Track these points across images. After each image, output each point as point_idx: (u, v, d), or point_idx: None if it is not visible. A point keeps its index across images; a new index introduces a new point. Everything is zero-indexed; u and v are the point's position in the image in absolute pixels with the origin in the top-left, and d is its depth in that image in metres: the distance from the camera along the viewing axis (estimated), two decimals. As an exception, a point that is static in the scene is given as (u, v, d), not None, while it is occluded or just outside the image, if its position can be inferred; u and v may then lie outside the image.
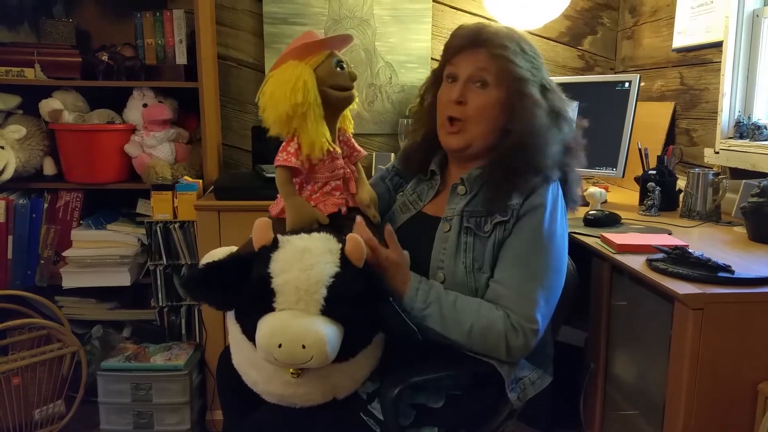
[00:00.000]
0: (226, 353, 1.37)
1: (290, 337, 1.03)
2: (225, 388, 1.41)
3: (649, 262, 1.34)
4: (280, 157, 1.23)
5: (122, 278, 2.23)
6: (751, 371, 1.21)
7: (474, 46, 1.29)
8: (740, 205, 1.65)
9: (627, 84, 2.07)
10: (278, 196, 1.28)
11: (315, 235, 1.15)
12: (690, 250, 1.32)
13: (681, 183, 1.96)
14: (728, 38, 1.93)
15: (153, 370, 2.08)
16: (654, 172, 1.96)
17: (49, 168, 2.29)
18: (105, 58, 2.20)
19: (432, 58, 2.59)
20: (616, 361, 1.53)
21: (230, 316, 1.20)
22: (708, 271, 1.25)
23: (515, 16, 2.45)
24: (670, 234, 1.61)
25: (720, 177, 1.80)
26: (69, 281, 2.23)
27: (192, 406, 2.12)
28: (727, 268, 1.25)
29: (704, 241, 1.58)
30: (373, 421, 1.18)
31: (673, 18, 2.26)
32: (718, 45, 1.99)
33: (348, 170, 1.33)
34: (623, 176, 2.08)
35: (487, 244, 1.27)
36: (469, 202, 1.32)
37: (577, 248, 1.55)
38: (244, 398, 1.26)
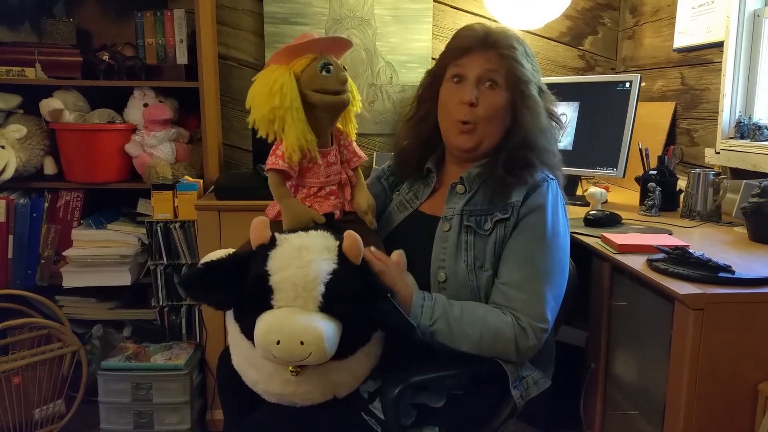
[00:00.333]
0: (225, 353, 1.37)
1: (288, 334, 1.03)
2: (225, 388, 1.41)
3: (650, 262, 1.34)
4: (269, 161, 1.24)
5: (123, 278, 2.23)
6: (751, 371, 1.21)
7: (484, 47, 1.29)
8: (741, 205, 1.65)
9: (628, 84, 2.07)
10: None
11: (312, 232, 1.15)
12: (690, 251, 1.32)
13: (681, 183, 1.96)
14: (729, 38, 1.93)
15: (153, 370, 2.08)
16: (654, 172, 1.96)
17: (49, 167, 2.29)
18: (106, 57, 2.20)
19: (433, 58, 2.59)
20: (616, 361, 1.52)
21: (229, 316, 1.20)
22: (708, 271, 1.24)
23: (516, 15, 2.45)
24: (670, 234, 1.61)
25: (720, 177, 1.80)
26: (69, 281, 2.23)
27: (192, 405, 2.12)
28: (727, 269, 1.25)
29: (705, 242, 1.58)
30: (374, 420, 1.18)
31: (673, 18, 2.26)
32: (719, 45, 1.99)
33: (344, 176, 1.32)
34: (624, 176, 2.07)
35: (487, 242, 1.28)
36: (468, 200, 1.32)
37: (577, 248, 1.55)
38: (245, 398, 1.26)
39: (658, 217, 1.85)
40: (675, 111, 2.25)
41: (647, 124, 2.29)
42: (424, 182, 1.42)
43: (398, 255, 1.29)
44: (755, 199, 1.56)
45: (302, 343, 1.03)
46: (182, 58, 2.32)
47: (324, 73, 1.22)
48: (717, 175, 1.81)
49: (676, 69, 2.28)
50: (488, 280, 1.27)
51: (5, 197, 2.21)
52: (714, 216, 1.80)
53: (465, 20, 2.60)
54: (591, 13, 2.70)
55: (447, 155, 1.41)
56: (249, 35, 2.58)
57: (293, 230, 1.18)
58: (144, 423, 2.10)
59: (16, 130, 2.18)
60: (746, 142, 1.89)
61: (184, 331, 2.26)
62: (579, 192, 2.20)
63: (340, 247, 1.12)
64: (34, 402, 2.10)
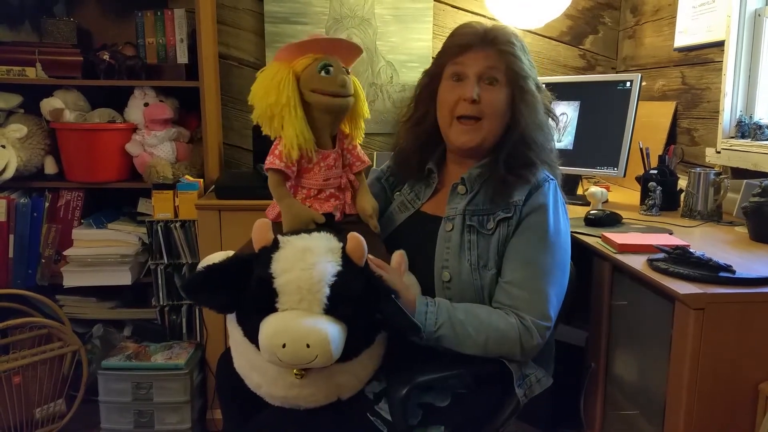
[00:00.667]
0: (225, 356, 1.37)
1: (294, 337, 1.02)
2: (225, 391, 1.41)
3: (650, 261, 1.34)
4: (267, 160, 1.23)
5: (123, 277, 2.23)
6: (751, 371, 1.21)
7: (483, 44, 1.30)
8: (741, 204, 1.65)
9: (628, 83, 2.06)
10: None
11: (315, 234, 1.14)
12: (691, 250, 1.31)
13: (682, 183, 1.96)
14: (730, 38, 1.92)
15: (154, 369, 2.08)
16: (655, 171, 1.96)
17: (50, 167, 2.29)
18: (106, 57, 2.20)
19: (433, 58, 2.58)
20: (616, 360, 1.52)
21: (231, 319, 1.19)
22: (709, 271, 1.24)
23: (517, 15, 2.45)
24: (671, 234, 1.61)
25: (721, 177, 1.80)
26: (70, 280, 2.23)
27: (192, 405, 2.12)
28: (728, 268, 1.25)
29: (705, 241, 1.58)
30: (380, 421, 1.18)
31: (674, 17, 2.26)
32: (719, 44, 1.99)
33: (345, 180, 1.31)
34: (624, 176, 2.07)
35: (491, 241, 1.28)
36: (470, 200, 1.32)
37: (578, 248, 1.55)
38: (245, 401, 1.25)
39: (658, 217, 1.85)
40: (676, 110, 2.25)
41: (648, 123, 2.28)
42: (425, 183, 1.42)
43: (399, 255, 1.28)
44: (756, 199, 1.56)
45: (308, 345, 1.02)
46: (182, 58, 2.32)
47: (323, 74, 1.22)
48: (718, 174, 1.81)
49: (677, 68, 2.27)
50: (492, 279, 1.27)
51: (6, 197, 2.21)
52: (715, 216, 1.80)
53: (465, 19, 2.57)
54: (591, 12, 2.69)
55: (447, 155, 1.41)
56: (249, 35, 2.58)
57: (295, 232, 1.17)
58: (144, 422, 2.10)
59: (17, 129, 2.18)
60: (747, 141, 1.89)
61: (184, 331, 2.27)
62: (579, 191, 2.20)
63: (343, 248, 1.12)
64: (35, 401, 2.11)
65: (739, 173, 1.89)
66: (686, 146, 2.18)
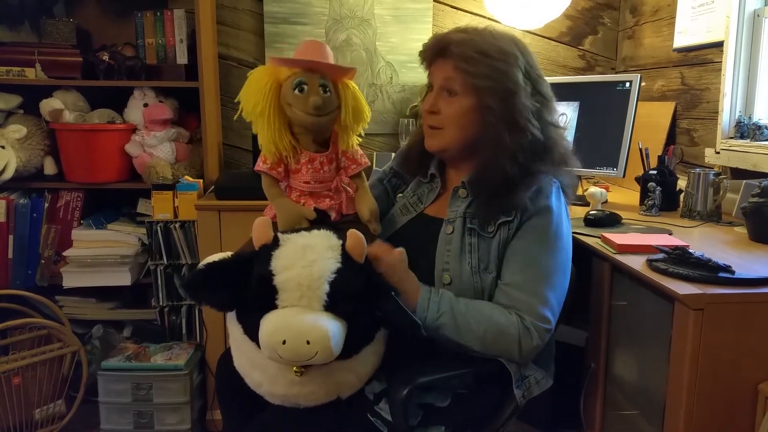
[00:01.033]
0: (225, 357, 1.37)
1: (294, 333, 1.03)
2: (224, 391, 1.41)
3: (650, 262, 1.34)
4: (257, 163, 1.27)
5: (123, 278, 2.23)
6: (751, 371, 1.21)
7: (439, 56, 1.31)
8: (741, 205, 1.65)
9: (628, 84, 2.07)
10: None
11: (315, 232, 1.15)
12: (690, 251, 1.31)
13: (682, 183, 1.96)
14: (729, 38, 1.93)
15: (153, 370, 2.08)
16: (655, 172, 1.96)
17: (49, 167, 2.29)
18: (106, 57, 2.20)
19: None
20: (616, 361, 1.52)
21: (231, 318, 1.20)
22: (708, 271, 1.24)
23: (516, 15, 2.45)
24: (670, 234, 1.61)
25: (721, 177, 1.80)
26: (69, 281, 2.23)
27: (192, 405, 2.12)
28: (727, 269, 1.25)
29: (705, 242, 1.58)
30: (380, 421, 1.18)
31: (673, 18, 2.26)
32: (718, 45, 1.99)
33: (339, 182, 1.31)
34: (624, 176, 2.07)
35: (491, 244, 1.28)
36: (471, 204, 1.32)
37: (577, 248, 1.54)
38: (244, 402, 1.25)
39: (658, 217, 1.85)
40: (675, 111, 2.25)
41: (647, 123, 2.28)
42: (428, 187, 1.43)
43: (399, 252, 1.29)
44: (755, 199, 1.56)
45: (308, 342, 1.03)
46: (182, 58, 2.32)
47: (296, 91, 1.22)
48: (717, 174, 1.81)
49: (676, 69, 2.28)
50: (492, 282, 1.28)
51: (5, 197, 2.21)
52: (714, 216, 1.80)
53: (465, 20, 2.60)
54: (591, 12, 2.69)
55: (444, 159, 1.42)
56: (249, 35, 2.58)
57: (295, 230, 1.18)
58: (144, 423, 2.10)
59: (16, 130, 2.18)
60: (746, 141, 1.89)
61: (184, 331, 2.27)
62: (579, 192, 2.20)
63: (343, 246, 1.13)
64: (35, 402, 2.11)
65: (738, 173, 1.89)
66: (686, 146, 2.18)
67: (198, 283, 1.14)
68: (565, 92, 2.20)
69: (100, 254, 2.23)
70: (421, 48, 1.36)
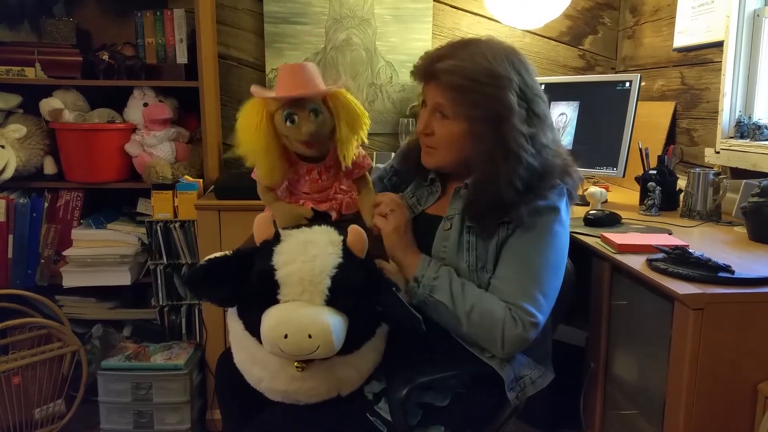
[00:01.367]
0: (225, 356, 1.37)
1: (296, 327, 1.04)
2: (224, 391, 1.41)
3: (650, 262, 1.34)
4: (254, 170, 1.28)
5: (122, 277, 2.23)
6: (751, 371, 1.21)
7: (430, 77, 1.27)
8: (741, 205, 1.65)
9: (627, 84, 2.07)
10: None
11: (316, 228, 1.16)
12: (690, 250, 1.32)
13: (681, 183, 1.96)
14: (729, 38, 1.93)
15: (153, 370, 2.08)
16: (654, 171, 1.96)
17: (49, 167, 2.29)
18: (105, 57, 2.20)
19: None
20: (616, 360, 1.53)
21: (231, 314, 1.20)
22: (708, 271, 1.24)
23: (516, 15, 2.45)
24: (670, 234, 1.61)
25: (720, 177, 1.80)
26: (69, 280, 2.23)
27: (192, 405, 2.12)
28: (727, 268, 1.25)
29: (704, 241, 1.58)
30: (380, 421, 1.18)
31: (673, 18, 2.26)
32: (718, 45, 1.99)
33: (338, 188, 1.30)
34: (624, 176, 2.08)
35: (489, 243, 1.28)
36: (471, 203, 1.31)
37: (577, 248, 1.55)
38: (244, 401, 1.25)
39: (657, 217, 1.85)
40: (675, 110, 2.25)
41: (647, 123, 2.29)
42: (428, 190, 1.42)
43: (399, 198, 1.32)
44: (755, 199, 1.56)
45: (310, 336, 1.03)
46: (182, 58, 2.32)
47: (288, 123, 1.19)
48: (717, 174, 1.81)
49: (676, 68, 2.28)
50: (489, 281, 1.27)
51: (5, 197, 2.21)
52: (714, 216, 1.80)
53: (465, 20, 2.60)
54: (591, 12, 2.69)
55: None
56: (249, 35, 2.58)
57: (296, 226, 1.18)
58: (144, 423, 2.10)
59: (16, 129, 2.18)
60: (746, 141, 1.89)
61: (184, 331, 2.27)
62: (579, 192, 2.20)
63: (344, 241, 1.13)
64: (34, 402, 2.11)
65: (738, 173, 1.89)
66: (685, 146, 2.18)
67: (199, 279, 1.14)
68: (565, 92, 2.20)
69: (99, 254, 2.23)
70: (419, 53, 1.33)
